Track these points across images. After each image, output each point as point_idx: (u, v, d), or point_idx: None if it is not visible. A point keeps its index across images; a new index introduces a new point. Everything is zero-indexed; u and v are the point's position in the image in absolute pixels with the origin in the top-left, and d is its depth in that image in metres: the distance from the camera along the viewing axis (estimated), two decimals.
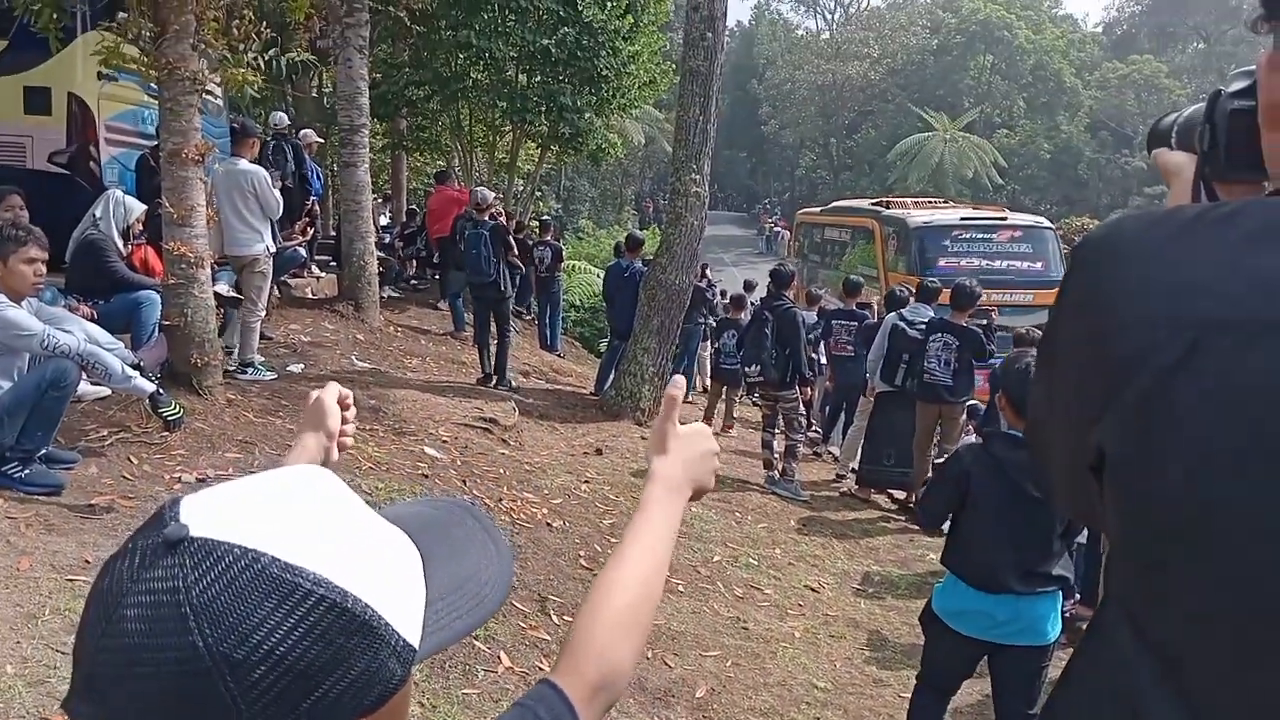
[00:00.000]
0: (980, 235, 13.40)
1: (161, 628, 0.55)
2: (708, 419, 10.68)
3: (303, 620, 0.56)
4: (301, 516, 0.61)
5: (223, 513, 0.59)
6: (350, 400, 1.24)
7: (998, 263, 13.06)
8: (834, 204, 21.63)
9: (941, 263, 12.81)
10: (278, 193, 6.87)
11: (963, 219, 13.91)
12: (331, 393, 1.23)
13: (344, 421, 1.23)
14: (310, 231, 9.24)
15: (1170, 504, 0.71)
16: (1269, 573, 0.66)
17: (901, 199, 18.07)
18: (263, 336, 7.67)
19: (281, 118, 10.17)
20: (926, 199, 19.17)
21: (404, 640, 0.62)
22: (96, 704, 0.57)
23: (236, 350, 6.64)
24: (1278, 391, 0.65)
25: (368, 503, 0.69)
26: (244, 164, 6.61)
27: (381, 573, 0.63)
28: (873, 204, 17.15)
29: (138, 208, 5.97)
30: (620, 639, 0.87)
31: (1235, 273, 0.69)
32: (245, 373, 6.47)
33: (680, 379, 1.12)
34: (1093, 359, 0.76)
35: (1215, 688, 0.71)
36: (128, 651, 0.55)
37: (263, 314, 6.74)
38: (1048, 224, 14.55)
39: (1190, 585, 0.71)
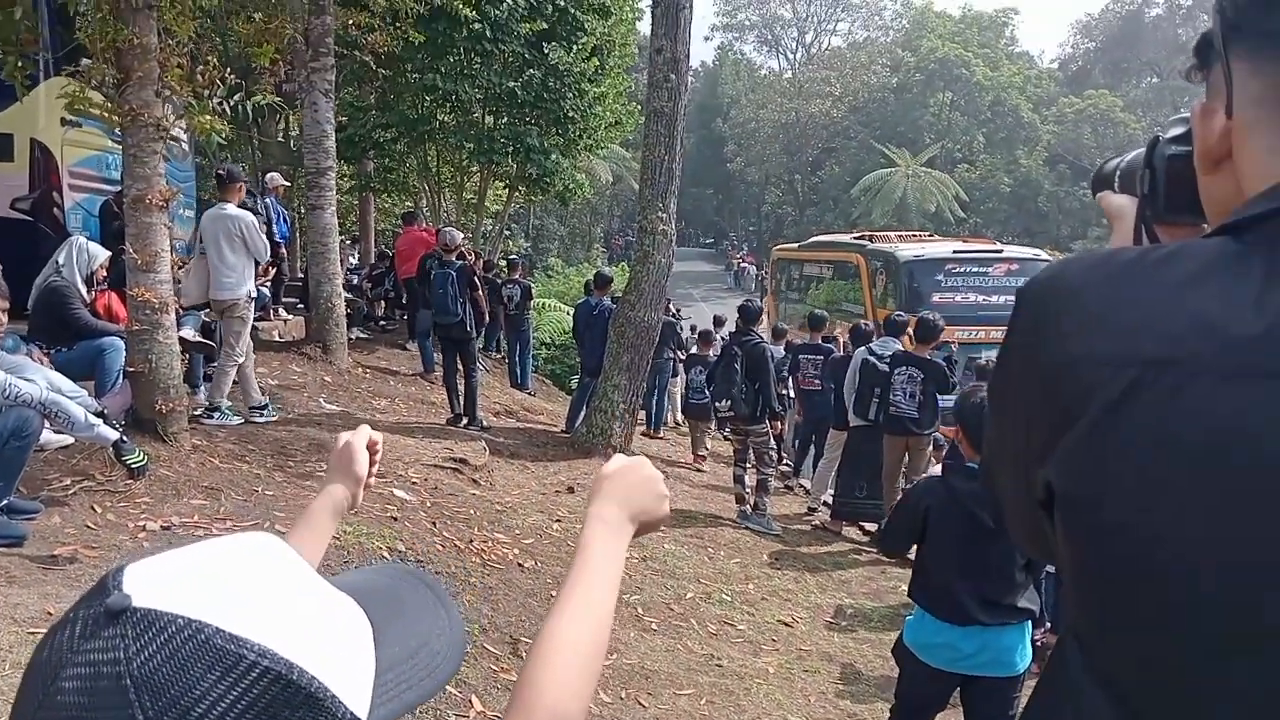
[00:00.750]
0: (975, 269, 12.85)
1: (101, 700, 0.53)
2: (694, 454, 11.01)
3: (246, 692, 0.55)
4: (248, 586, 0.61)
5: (167, 582, 0.58)
6: (379, 445, 1.24)
7: (995, 298, 12.31)
8: (813, 239, 21.15)
9: (935, 298, 12.30)
10: (264, 237, 6.94)
11: (955, 252, 13.38)
12: (361, 437, 1.22)
13: (371, 464, 1.23)
14: (273, 273, 9.21)
15: (1114, 539, 0.73)
16: (1206, 608, 0.69)
17: (884, 233, 17.76)
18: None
19: (275, 176, 10.17)
20: (911, 233, 18.85)
21: (351, 713, 0.60)
22: None
23: (256, 396, 6.70)
24: (1214, 428, 0.68)
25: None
26: (231, 209, 6.66)
27: (330, 644, 0.62)
28: (855, 238, 16.70)
29: (101, 254, 5.94)
30: (570, 688, 0.86)
31: (1174, 313, 0.72)
32: (212, 416, 6.43)
33: (619, 457, 1.12)
34: (1040, 398, 0.79)
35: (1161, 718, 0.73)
36: None
37: (240, 359, 6.70)
38: (1046, 257, 13.74)
39: (1134, 619, 0.74)
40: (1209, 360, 0.69)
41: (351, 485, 1.20)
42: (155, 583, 0.57)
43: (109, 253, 6.02)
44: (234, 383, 7.09)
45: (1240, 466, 0.67)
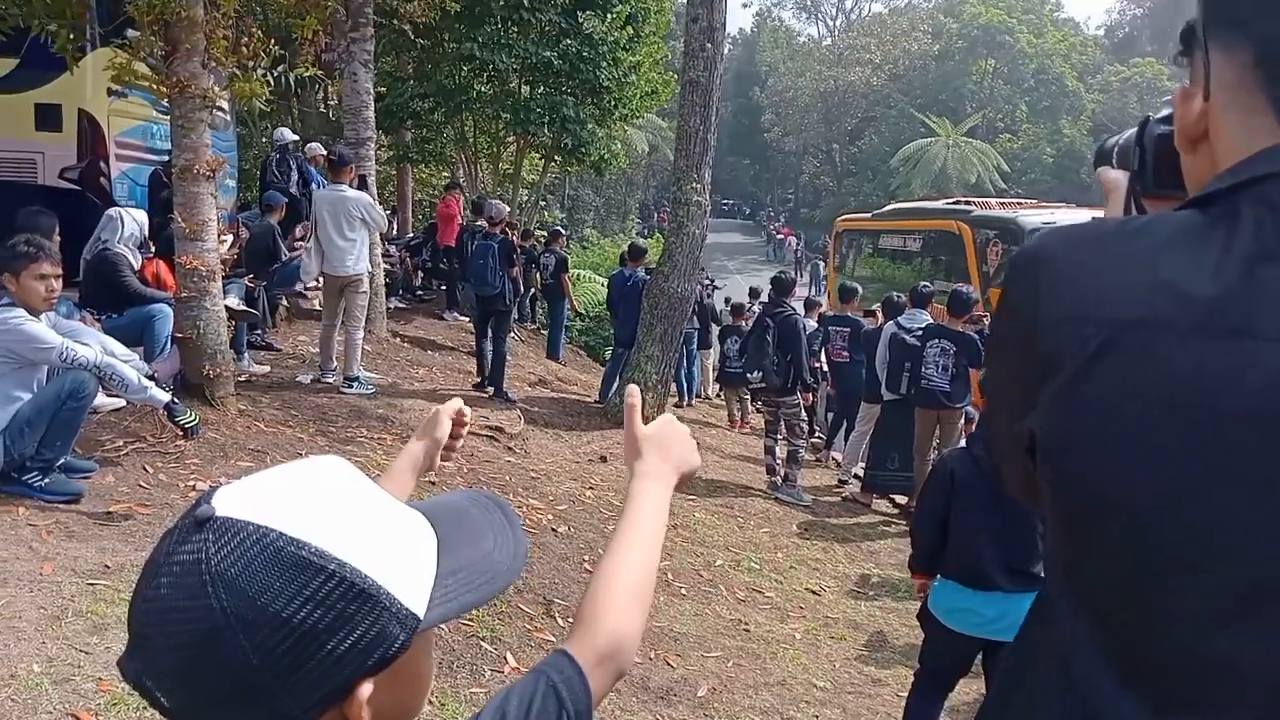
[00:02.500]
0: None
1: (187, 592, 0.65)
2: (731, 421, 11.71)
3: (304, 587, 0.66)
4: (313, 499, 0.71)
5: (246, 496, 0.69)
6: (467, 418, 1.34)
7: None
8: (891, 207, 19.08)
9: None
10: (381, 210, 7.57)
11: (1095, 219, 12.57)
12: (450, 408, 1.33)
13: (456, 436, 1.33)
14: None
15: (1089, 483, 0.82)
16: (1174, 538, 0.77)
17: (983, 199, 16.00)
18: (271, 348, 7.87)
19: (285, 133, 10.32)
20: (1013, 198, 16.65)
21: (406, 609, 0.71)
22: (140, 659, 0.68)
23: (336, 365, 7.16)
24: (1178, 381, 0.76)
25: None
26: (349, 191, 7.15)
27: (386, 547, 0.71)
28: (952, 203, 15.28)
29: (141, 216, 6.14)
30: (626, 613, 0.95)
31: (1143, 277, 0.80)
32: (351, 387, 6.98)
33: (634, 389, 1.21)
34: (1025, 354, 0.87)
35: (1133, 641, 0.82)
36: (161, 613, 0.66)
37: (362, 330, 7.30)
38: None
39: (1105, 549, 0.82)
40: (1172, 320, 0.76)
41: (431, 446, 1.31)
42: (236, 497, 0.69)
43: (145, 214, 6.20)
44: (271, 348, 7.31)
45: (1197, 414, 0.75)
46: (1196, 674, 0.78)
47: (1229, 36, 0.83)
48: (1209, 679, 0.77)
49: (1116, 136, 1.25)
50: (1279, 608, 0.74)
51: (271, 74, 6.33)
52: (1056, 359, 0.82)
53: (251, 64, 5.43)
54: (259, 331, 7.80)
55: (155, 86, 5.34)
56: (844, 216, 21.60)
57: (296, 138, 10.54)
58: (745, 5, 63.74)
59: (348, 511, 0.72)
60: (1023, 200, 15.24)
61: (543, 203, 22.44)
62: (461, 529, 0.82)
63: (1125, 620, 0.82)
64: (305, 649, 0.66)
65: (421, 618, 0.73)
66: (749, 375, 8.03)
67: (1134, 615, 0.81)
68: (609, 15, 13.61)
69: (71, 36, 5.38)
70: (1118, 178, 1.16)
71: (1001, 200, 14.99)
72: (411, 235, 14.66)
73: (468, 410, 1.35)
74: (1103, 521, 0.82)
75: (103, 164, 8.96)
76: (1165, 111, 1.05)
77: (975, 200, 15.06)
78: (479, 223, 9.63)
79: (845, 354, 9.51)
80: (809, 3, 60.31)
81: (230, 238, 8.02)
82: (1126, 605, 0.82)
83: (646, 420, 1.19)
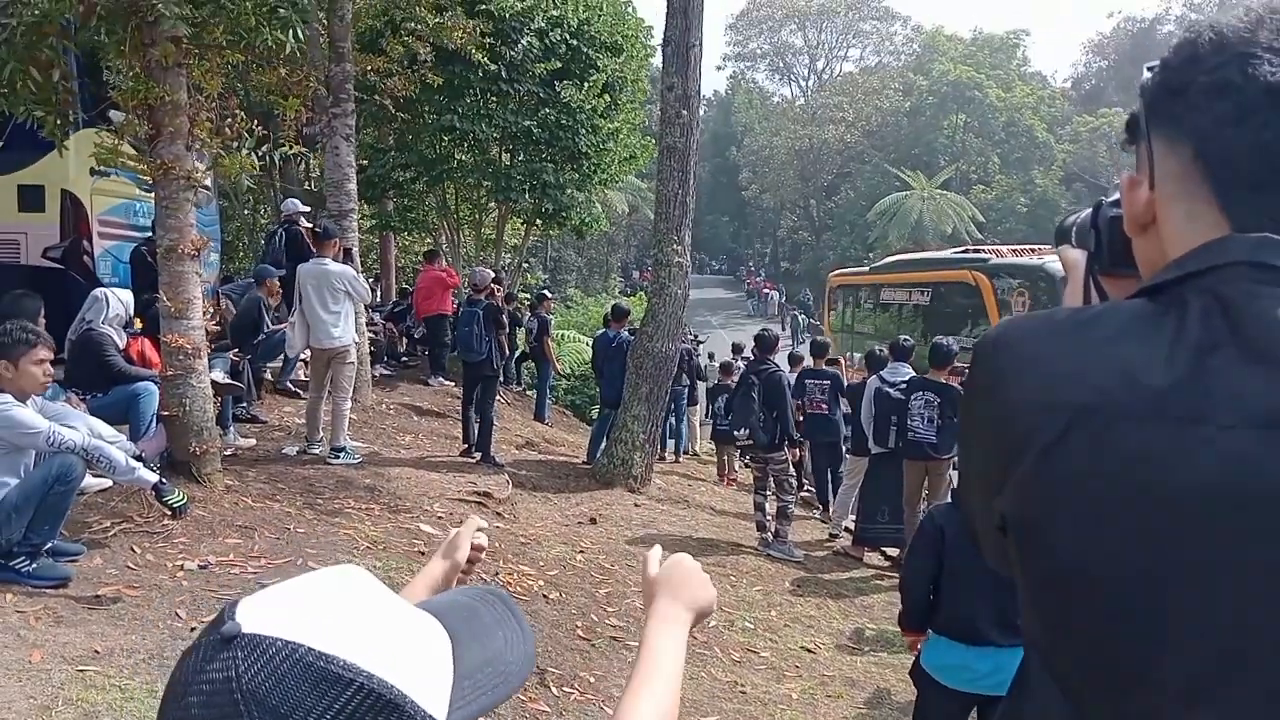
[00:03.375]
0: None
1: (219, 712, 0.65)
2: (720, 474, 11.93)
3: (334, 701, 0.66)
4: (336, 611, 0.72)
5: (269, 611, 0.69)
6: (484, 544, 1.40)
7: None
8: (892, 258, 18.49)
9: None
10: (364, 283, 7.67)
11: None
12: (468, 533, 1.38)
13: (474, 560, 1.38)
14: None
15: (1056, 562, 0.86)
16: (1138, 615, 0.81)
17: (992, 247, 15.43)
18: (256, 420, 7.86)
19: (295, 204, 10.38)
20: (1027, 245, 15.69)
21: (429, 716, 0.71)
22: None
23: (322, 436, 7.19)
24: (1137, 465, 0.80)
25: None
26: (332, 264, 7.22)
27: (409, 656, 0.72)
28: (959, 253, 14.71)
29: (127, 296, 6.17)
30: None
31: (1099, 366, 0.84)
32: (338, 457, 6.98)
33: (657, 548, 1.25)
34: (992, 438, 0.92)
35: (1106, 717, 0.85)
36: None
37: (350, 401, 7.37)
38: None
39: (1074, 624, 0.86)
40: (1129, 407, 0.81)
41: (450, 568, 1.36)
42: (260, 612, 0.70)
43: (130, 293, 6.24)
44: (255, 420, 7.31)
45: (1155, 497, 0.79)
46: None
47: (1169, 131, 0.89)
48: None
49: (1075, 215, 1.31)
50: (1243, 684, 0.77)
51: (257, 154, 6.43)
52: (1021, 443, 0.86)
53: (235, 144, 5.52)
54: (244, 404, 7.80)
55: (140, 168, 5.42)
56: (837, 271, 21.03)
57: (308, 209, 10.61)
58: (719, 68, 64.85)
59: (370, 622, 0.73)
60: (1035, 246, 14.75)
61: (525, 265, 22.61)
62: (472, 629, 0.82)
63: (1097, 696, 0.85)
64: None
65: None
66: (736, 433, 8.08)
67: (1105, 691, 0.84)
68: (586, 84, 13.90)
69: (59, 123, 5.45)
70: (1077, 257, 1.22)
71: (1013, 247, 14.23)
72: (395, 302, 14.74)
73: (485, 537, 1.40)
74: (1071, 600, 0.85)
75: (85, 243, 9.01)
76: (1116, 195, 1.11)
77: (986, 249, 14.69)
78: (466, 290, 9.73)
79: (824, 407, 9.57)
80: (782, 64, 61.58)
81: (210, 310, 8.06)
82: (1097, 681, 0.85)
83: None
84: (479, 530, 1.39)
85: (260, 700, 0.65)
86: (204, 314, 7.81)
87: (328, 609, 0.72)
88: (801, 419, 9.40)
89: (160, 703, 0.70)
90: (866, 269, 18.35)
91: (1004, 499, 0.90)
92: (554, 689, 4.25)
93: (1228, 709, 0.78)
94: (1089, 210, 1.24)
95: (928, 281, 14.40)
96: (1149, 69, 0.94)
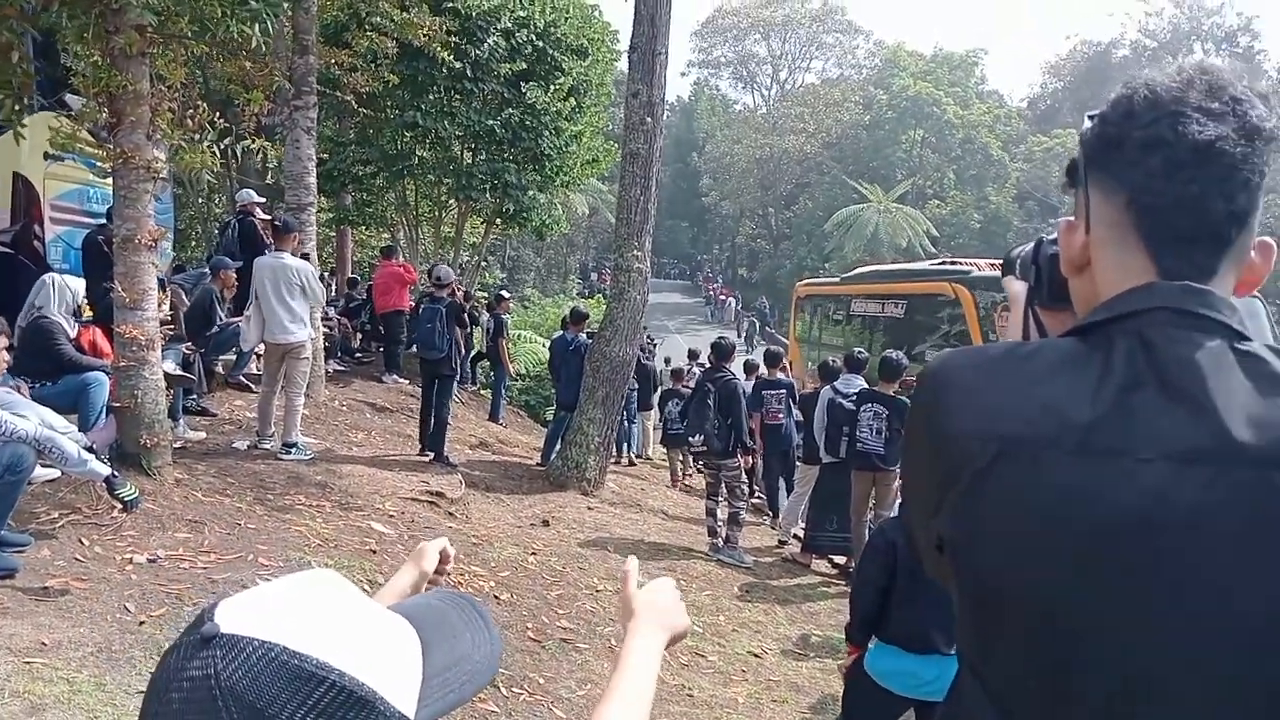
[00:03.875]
0: None
1: (199, 708, 0.68)
2: (673, 478, 12.00)
3: (308, 698, 0.69)
4: (310, 612, 0.76)
5: (247, 613, 0.73)
6: (450, 555, 1.44)
7: None
8: (864, 269, 17.49)
9: None
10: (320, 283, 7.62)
11: None
12: (436, 545, 1.43)
13: (441, 571, 1.43)
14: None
15: (987, 583, 0.93)
16: (1064, 634, 0.88)
17: (972, 260, 14.32)
18: (206, 413, 7.77)
19: (249, 194, 10.26)
20: (997, 260, 14.82)
21: (398, 712, 0.75)
22: None
23: (274, 431, 7.14)
24: (1062, 494, 0.88)
25: None
26: (289, 259, 7.14)
27: (379, 655, 0.76)
28: (938, 265, 14.19)
29: (79, 285, 6.06)
30: None
31: (1030, 400, 0.92)
32: (289, 453, 6.92)
33: (633, 559, 1.31)
34: (930, 462, 0.99)
35: None
36: None
37: (303, 397, 7.33)
38: (1257, 294, 10.28)
39: (1004, 643, 0.93)
40: (1056, 439, 0.89)
41: (419, 578, 1.40)
42: (238, 614, 0.73)
43: (84, 282, 6.14)
44: (206, 413, 7.25)
45: (1078, 524, 0.87)
46: None
47: (1105, 180, 0.97)
48: None
49: (1020, 248, 1.39)
50: (1159, 702, 0.85)
51: (218, 146, 6.38)
52: (956, 470, 0.94)
53: (197, 136, 5.48)
54: (194, 396, 7.71)
55: (98, 154, 5.36)
56: (806, 281, 20.30)
57: (263, 200, 10.49)
58: (683, 75, 65.19)
59: (342, 623, 0.77)
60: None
61: (484, 264, 22.54)
62: (441, 631, 0.86)
63: (1023, 708, 0.92)
64: None
65: (410, 719, 0.78)
66: (690, 439, 8.16)
67: (1030, 705, 0.92)
68: (551, 86, 13.93)
69: (17, 108, 5.36)
70: (1019, 290, 1.31)
71: (991, 262, 13.54)
72: (349, 296, 14.61)
73: (451, 551, 1.45)
74: (998, 619, 0.93)
75: (37, 227, 8.86)
76: (1055, 235, 1.19)
77: (964, 260, 14.03)
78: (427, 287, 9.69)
79: (780, 416, 9.72)
80: (745, 73, 62.01)
81: (164, 301, 7.95)
82: (1022, 695, 0.92)
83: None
84: (444, 547, 1.45)
85: (238, 696, 0.69)
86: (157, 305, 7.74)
87: (302, 611, 0.76)
88: (757, 430, 9.54)
89: (143, 699, 0.74)
90: (837, 279, 17.73)
91: (939, 520, 0.97)
92: (503, 690, 4.29)
93: None
94: (1032, 245, 1.33)
95: (903, 293, 13.78)
96: (1090, 117, 1.02)
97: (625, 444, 12.93)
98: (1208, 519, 0.84)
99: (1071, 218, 1.04)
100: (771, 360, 10.41)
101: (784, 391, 9.75)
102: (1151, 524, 0.84)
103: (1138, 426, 0.86)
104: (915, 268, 14.80)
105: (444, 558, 1.43)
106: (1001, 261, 1.50)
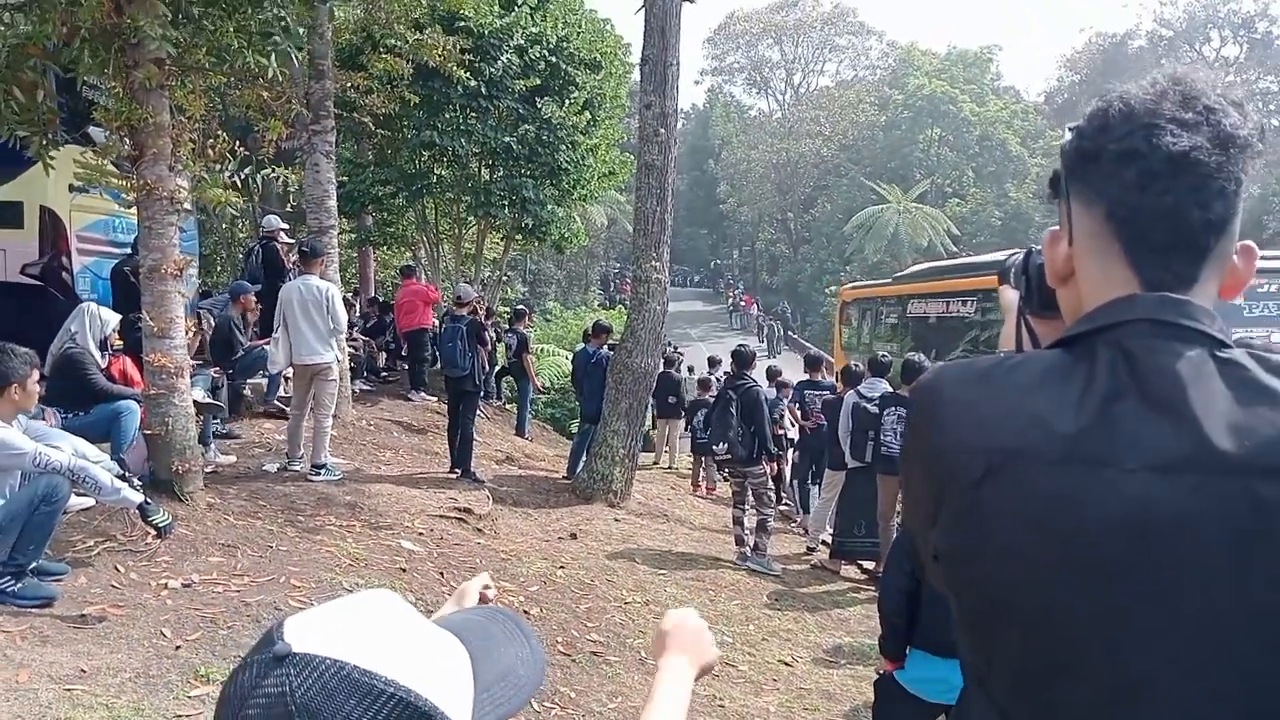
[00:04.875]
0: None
1: None
2: (694, 484, 12.34)
3: (378, 714, 0.73)
4: (375, 631, 0.80)
5: (315, 632, 0.77)
6: (491, 596, 1.47)
7: None
8: (921, 266, 16.04)
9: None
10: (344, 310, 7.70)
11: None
12: (477, 584, 1.46)
13: (484, 600, 1.46)
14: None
15: (982, 594, 0.95)
16: (1055, 641, 0.90)
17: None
18: (232, 436, 7.87)
19: (273, 220, 10.42)
20: None
21: None
22: None
23: (303, 454, 7.21)
24: (1050, 504, 0.89)
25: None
26: (317, 280, 7.26)
27: (438, 672, 0.80)
28: (1012, 254, 12.79)
29: (113, 319, 6.15)
30: None
31: (1018, 412, 0.93)
32: (319, 474, 7.00)
33: (669, 614, 1.34)
34: (926, 475, 1.01)
35: None
36: None
37: (331, 418, 7.40)
38: None
39: (1001, 649, 0.95)
40: (1042, 450, 0.90)
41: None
42: (308, 633, 0.78)
43: (120, 317, 6.24)
44: (232, 437, 7.33)
45: (1066, 533, 0.89)
46: None
47: (1085, 193, 0.98)
48: None
49: (1013, 256, 1.42)
50: (1148, 706, 0.87)
51: (239, 176, 6.48)
52: (949, 482, 0.96)
53: (218, 166, 5.57)
54: (217, 420, 7.80)
55: (123, 187, 5.45)
56: (850, 285, 19.14)
57: (286, 226, 10.65)
58: (697, 83, 65.23)
59: (403, 641, 0.81)
60: None
61: (505, 279, 22.66)
62: (487, 646, 0.91)
63: (1022, 713, 0.94)
64: None
65: None
66: (714, 447, 8.17)
67: (1028, 709, 0.93)
68: (566, 101, 14.00)
69: (44, 143, 5.48)
70: (1012, 299, 1.33)
71: None
72: (367, 315, 14.71)
73: (493, 590, 1.48)
74: (997, 629, 0.95)
75: (64, 259, 9.01)
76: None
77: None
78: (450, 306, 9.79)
79: (822, 418, 9.75)
80: (759, 78, 62.00)
81: (192, 329, 8.05)
82: (1023, 704, 0.94)
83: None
84: (486, 587, 1.47)
85: (313, 713, 0.73)
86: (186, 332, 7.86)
87: (366, 630, 0.80)
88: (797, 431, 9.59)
89: (215, 713, 0.78)
90: (889, 280, 16.18)
91: (936, 532, 0.99)
92: (535, 705, 4.31)
93: None
94: (1021, 254, 1.35)
95: (971, 289, 11.92)
96: (1069, 129, 1.03)
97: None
98: (1190, 527, 0.85)
99: (1056, 228, 1.05)
100: (812, 364, 10.57)
101: (826, 392, 9.84)
102: (1136, 532, 0.86)
103: (1120, 437, 0.88)
104: (982, 260, 12.94)
105: (484, 597, 1.45)
106: (998, 271, 1.52)
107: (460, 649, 0.87)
